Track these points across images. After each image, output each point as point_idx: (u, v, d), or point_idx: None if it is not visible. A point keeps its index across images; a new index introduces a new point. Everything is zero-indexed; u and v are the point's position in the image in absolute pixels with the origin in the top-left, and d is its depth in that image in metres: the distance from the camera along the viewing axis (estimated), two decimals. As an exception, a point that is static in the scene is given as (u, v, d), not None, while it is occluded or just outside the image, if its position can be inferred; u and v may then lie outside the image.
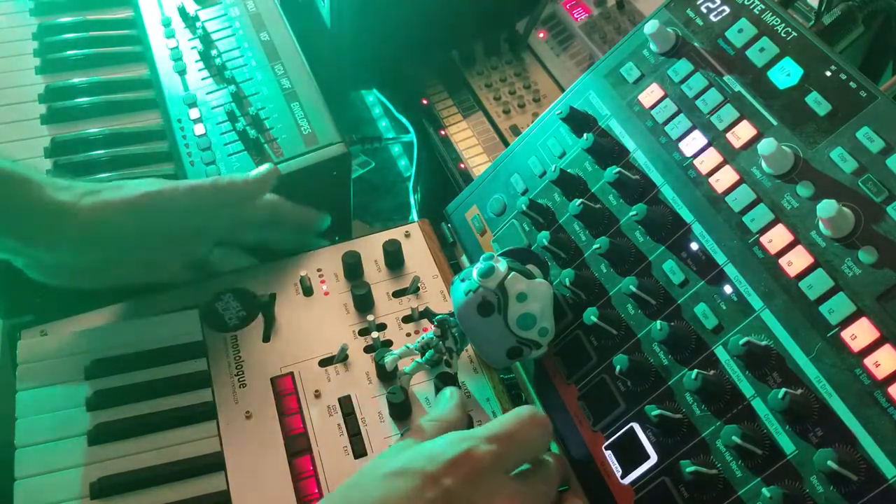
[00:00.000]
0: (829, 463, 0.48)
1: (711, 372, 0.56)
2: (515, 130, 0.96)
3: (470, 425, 0.63)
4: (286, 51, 0.89)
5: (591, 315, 0.62)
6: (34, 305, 0.74)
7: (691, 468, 0.53)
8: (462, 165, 0.95)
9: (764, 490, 0.50)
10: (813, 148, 0.58)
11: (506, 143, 0.95)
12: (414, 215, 0.99)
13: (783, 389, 0.51)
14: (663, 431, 0.57)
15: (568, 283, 0.64)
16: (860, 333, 0.51)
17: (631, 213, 0.63)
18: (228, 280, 0.76)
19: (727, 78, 0.64)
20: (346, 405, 0.66)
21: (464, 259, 0.79)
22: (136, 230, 0.68)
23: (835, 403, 0.51)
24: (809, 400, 0.51)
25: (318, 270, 0.77)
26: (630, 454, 0.59)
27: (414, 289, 0.74)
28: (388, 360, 0.66)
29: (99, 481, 0.62)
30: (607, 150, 0.68)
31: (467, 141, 0.97)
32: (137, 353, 0.70)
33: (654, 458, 0.57)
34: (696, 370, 0.55)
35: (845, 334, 0.51)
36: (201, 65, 0.88)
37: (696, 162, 0.63)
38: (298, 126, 0.80)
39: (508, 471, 0.54)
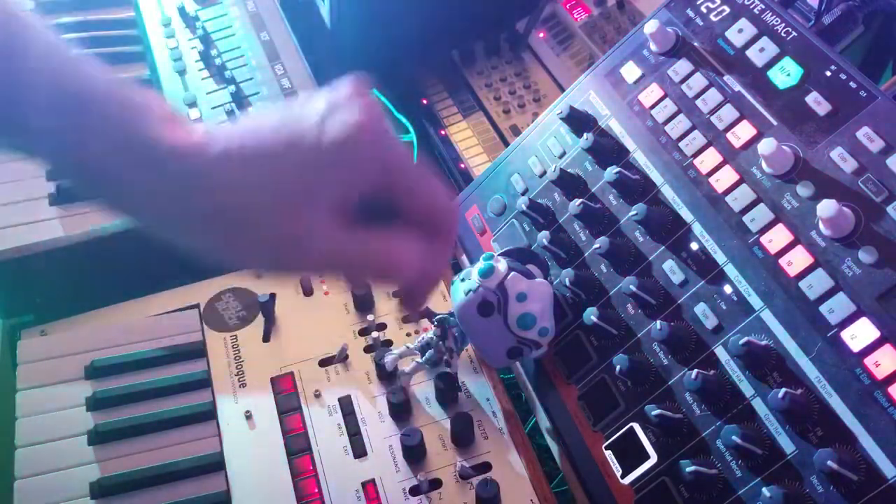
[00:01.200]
0: (829, 463, 0.48)
1: (711, 372, 0.56)
2: (515, 130, 0.96)
3: None
4: (286, 51, 0.89)
5: (591, 315, 0.62)
6: (34, 305, 0.74)
7: (691, 468, 0.53)
8: (462, 165, 0.95)
9: (764, 490, 0.50)
10: (813, 148, 0.58)
11: (506, 143, 0.95)
12: (414, 215, 0.99)
13: (783, 389, 0.51)
14: (663, 431, 0.57)
15: (568, 283, 0.64)
16: (860, 333, 0.51)
17: (631, 213, 0.63)
18: (228, 280, 0.76)
19: (727, 78, 0.64)
20: (346, 405, 0.66)
21: (464, 259, 0.79)
22: None
23: (835, 403, 0.51)
24: (809, 400, 0.51)
25: (318, 270, 0.77)
26: (630, 454, 0.59)
27: (414, 289, 0.74)
28: (388, 360, 0.66)
29: (99, 481, 0.62)
30: (607, 150, 0.68)
31: (467, 141, 0.97)
32: (137, 353, 0.70)
33: (654, 458, 0.57)
34: (696, 370, 0.55)
35: (845, 334, 0.51)
36: (201, 65, 0.88)
37: (696, 162, 0.63)
38: (298, 126, 0.80)
39: None
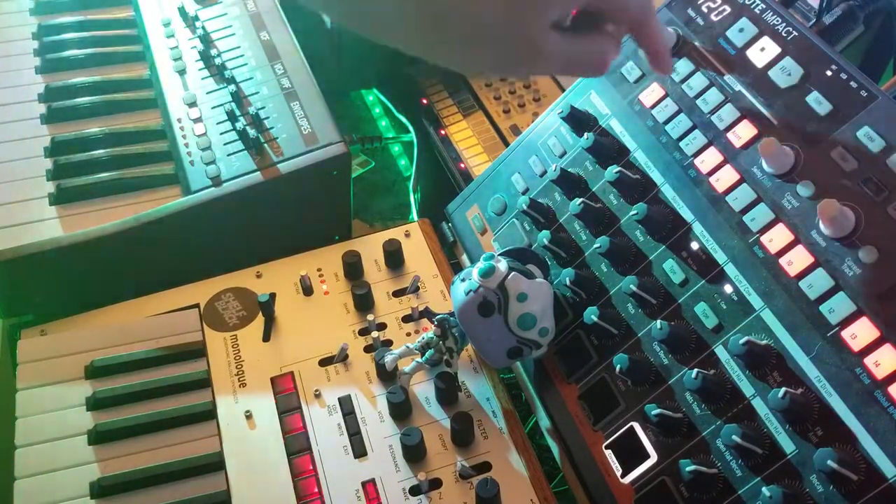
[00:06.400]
0: (829, 463, 0.48)
1: (711, 371, 0.56)
2: (515, 130, 0.96)
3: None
4: (286, 51, 0.89)
5: (591, 314, 0.62)
6: (34, 305, 0.74)
7: (691, 467, 0.53)
8: (462, 165, 0.95)
9: (764, 489, 0.50)
10: (813, 148, 0.58)
11: (506, 143, 0.95)
12: (414, 215, 0.99)
13: (783, 389, 0.51)
14: (663, 431, 0.57)
15: (568, 283, 0.64)
16: (860, 333, 0.51)
17: (631, 213, 0.63)
18: (228, 280, 0.76)
19: (728, 77, 0.64)
20: (346, 405, 0.66)
21: (464, 259, 0.79)
22: None
23: (835, 403, 0.51)
24: (809, 399, 0.51)
25: (318, 270, 0.77)
26: (630, 453, 0.59)
27: (414, 289, 0.74)
28: (388, 360, 0.66)
29: (99, 481, 0.62)
30: (608, 150, 0.68)
31: (467, 141, 0.97)
32: (137, 353, 0.70)
33: (654, 457, 0.57)
34: (696, 369, 0.55)
35: (845, 334, 0.51)
36: (201, 65, 0.88)
37: (697, 161, 0.63)
38: (298, 126, 0.80)
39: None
